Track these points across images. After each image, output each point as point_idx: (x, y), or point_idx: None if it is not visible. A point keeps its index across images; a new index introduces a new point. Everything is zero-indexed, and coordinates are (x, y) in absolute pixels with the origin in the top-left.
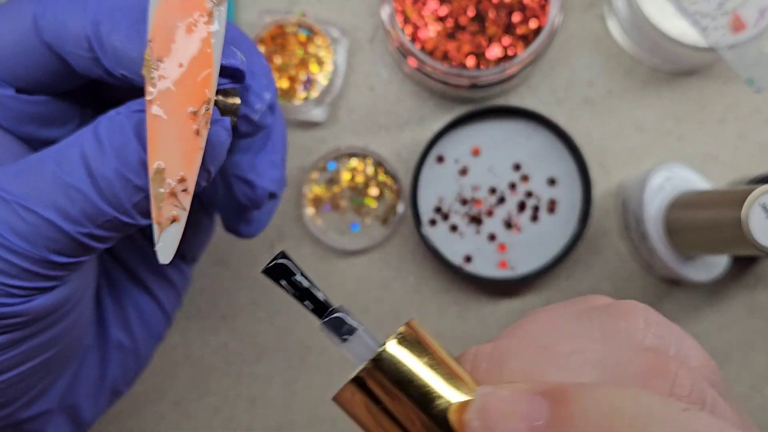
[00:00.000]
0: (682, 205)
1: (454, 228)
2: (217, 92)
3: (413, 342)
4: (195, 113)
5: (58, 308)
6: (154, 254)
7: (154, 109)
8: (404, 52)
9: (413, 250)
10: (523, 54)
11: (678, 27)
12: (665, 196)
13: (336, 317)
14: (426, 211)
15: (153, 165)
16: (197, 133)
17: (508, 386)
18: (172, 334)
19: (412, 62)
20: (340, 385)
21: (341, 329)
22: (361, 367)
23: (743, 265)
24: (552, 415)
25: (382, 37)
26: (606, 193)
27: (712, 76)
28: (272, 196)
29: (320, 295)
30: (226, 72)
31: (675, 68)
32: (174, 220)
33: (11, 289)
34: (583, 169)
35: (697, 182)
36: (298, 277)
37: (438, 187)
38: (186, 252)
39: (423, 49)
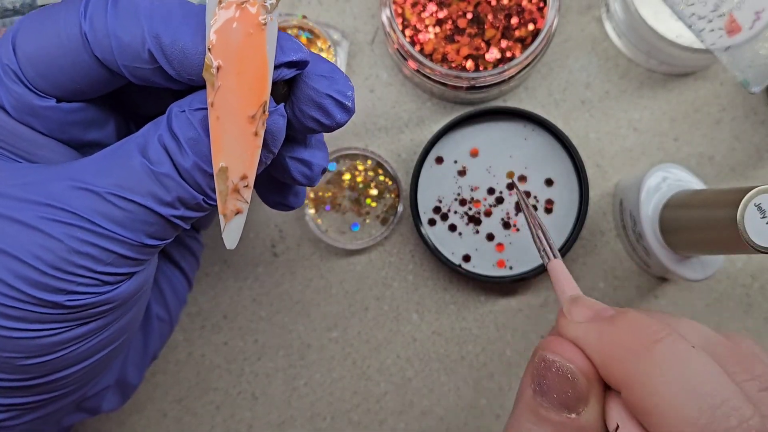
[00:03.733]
0: (678, 205)
1: (453, 228)
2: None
3: None
4: (253, 117)
5: (138, 292)
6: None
7: (216, 113)
8: (404, 55)
9: (413, 250)
10: (521, 56)
11: (674, 29)
12: (661, 197)
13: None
14: (425, 211)
15: (217, 164)
16: (255, 134)
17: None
18: (174, 333)
19: (411, 64)
20: (339, 377)
21: None
22: None
23: (739, 263)
24: (615, 313)
25: (382, 39)
26: (603, 193)
27: (708, 78)
28: (324, 171)
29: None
30: (291, 65)
31: (671, 70)
32: (238, 212)
33: (104, 276)
34: (580, 170)
35: (693, 183)
36: None
37: (437, 187)
38: (198, 223)
39: (422, 51)
